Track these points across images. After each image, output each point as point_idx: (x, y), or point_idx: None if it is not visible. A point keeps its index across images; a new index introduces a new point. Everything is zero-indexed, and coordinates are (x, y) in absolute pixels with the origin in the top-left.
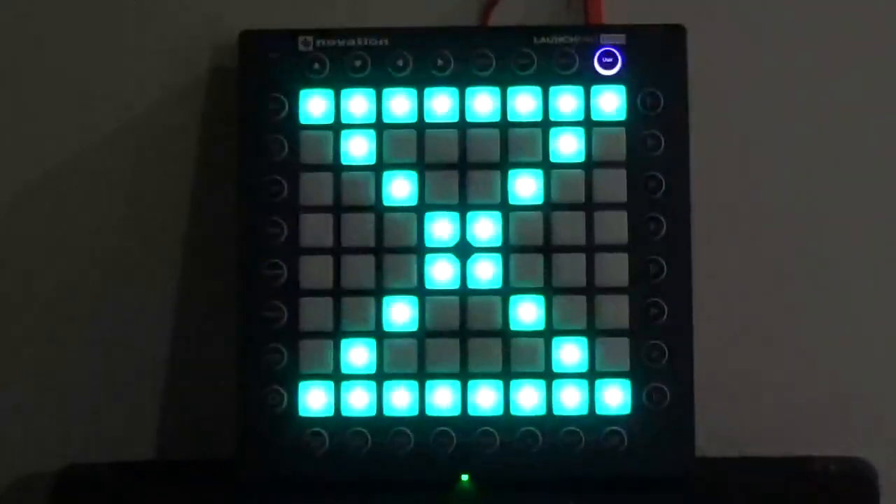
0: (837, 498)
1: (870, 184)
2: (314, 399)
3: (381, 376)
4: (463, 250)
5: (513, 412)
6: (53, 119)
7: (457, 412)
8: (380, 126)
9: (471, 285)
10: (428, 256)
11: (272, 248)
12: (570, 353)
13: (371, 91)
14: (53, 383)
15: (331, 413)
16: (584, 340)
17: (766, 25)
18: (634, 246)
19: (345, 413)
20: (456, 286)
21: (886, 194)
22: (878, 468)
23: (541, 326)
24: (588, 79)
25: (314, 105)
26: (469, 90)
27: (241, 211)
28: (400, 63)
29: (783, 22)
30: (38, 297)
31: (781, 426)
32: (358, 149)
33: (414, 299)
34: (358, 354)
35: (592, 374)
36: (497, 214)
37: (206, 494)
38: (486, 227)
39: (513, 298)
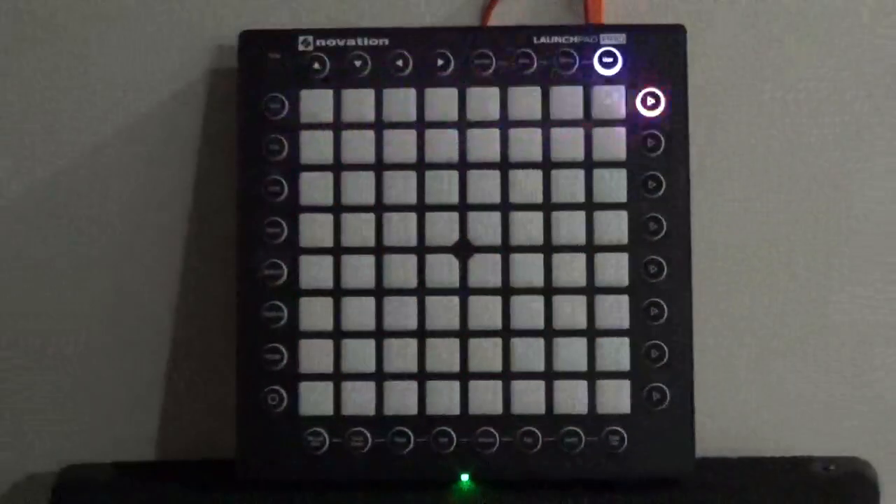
0: (837, 498)
1: (871, 183)
2: (314, 399)
3: (381, 376)
4: (463, 250)
5: (513, 412)
6: (53, 119)
7: (457, 412)
8: (380, 126)
9: (471, 285)
10: (428, 256)
11: (272, 248)
12: (570, 352)
13: (371, 91)
14: (53, 383)
15: (331, 413)
16: (584, 340)
17: (766, 25)
18: (634, 246)
19: (345, 413)
20: (456, 286)
21: (887, 193)
22: (878, 468)
23: (541, 326)
24: (588, 79)
25: (314, 105)
26: (469, 90)
27: (241, 211)
28: (400, 63)
29: (783, 22)
30: (37, 297)
31: (781, 426)
32: (358, 149)
33: (414, 299)
34: (358, 354)
35: (592, 374)
36: (497, 214)
37: (206, 494)
38: (486, 227)
39: (513, 298)
